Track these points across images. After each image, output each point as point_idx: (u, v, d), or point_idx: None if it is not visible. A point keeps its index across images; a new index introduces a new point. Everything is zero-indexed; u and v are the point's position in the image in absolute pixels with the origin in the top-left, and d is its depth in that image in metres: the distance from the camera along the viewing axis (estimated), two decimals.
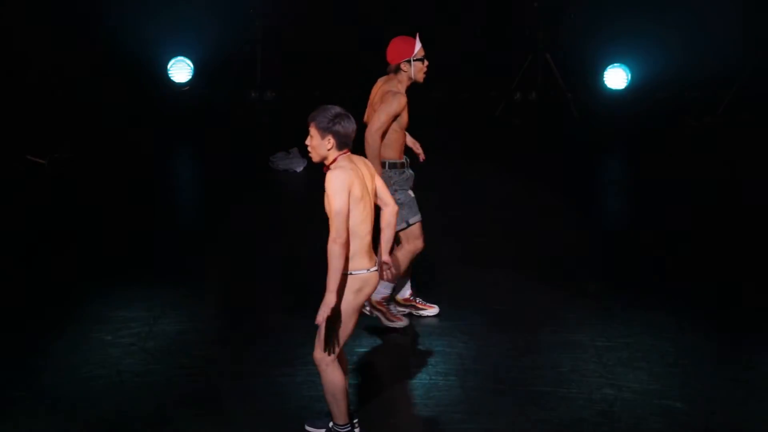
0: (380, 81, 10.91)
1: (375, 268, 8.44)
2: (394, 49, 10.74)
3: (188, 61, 16.90)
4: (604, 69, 16.56)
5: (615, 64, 16.54)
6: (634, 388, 9.73)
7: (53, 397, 9.69)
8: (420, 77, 10.73)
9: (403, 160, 10.74)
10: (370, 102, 10.79)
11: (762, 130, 15.95)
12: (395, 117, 10.55)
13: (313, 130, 8.41)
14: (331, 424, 8.65)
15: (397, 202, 8.99)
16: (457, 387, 9.84)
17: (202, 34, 16.84)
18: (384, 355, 10.41)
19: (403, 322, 10.77)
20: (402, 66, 10.65)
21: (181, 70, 16.92)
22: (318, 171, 14.67)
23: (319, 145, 8.43)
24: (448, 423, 9.29)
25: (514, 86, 16.66)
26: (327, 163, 8.46)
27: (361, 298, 8.45)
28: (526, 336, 10.63)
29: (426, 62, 10.81)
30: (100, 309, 10.68)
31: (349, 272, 8.33)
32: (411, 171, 10.84)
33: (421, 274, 11.81)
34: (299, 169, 15.00)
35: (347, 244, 8.25)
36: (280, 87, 17.07)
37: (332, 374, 8.49)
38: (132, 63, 16.76)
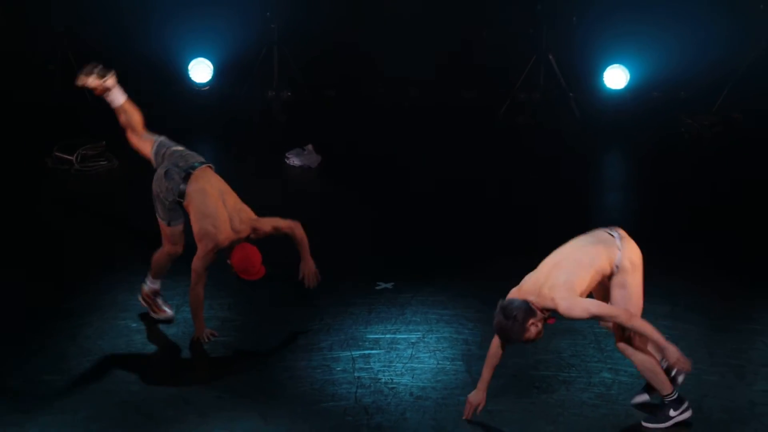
0: None
1: None
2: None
3: (208, 62, 16.95)
4: (603, 69, 16.59)
5: (614, 65, 16.57)
6: (631, 372, 9.79)
7: (83, 380, 9.82)
8: None
9: None
10: None
11: (754, 128, 16.00)
12: None
13: None
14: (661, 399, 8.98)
15: None
16: (463, 371, 9.93)
17: (222, 36, 16.85)
18: (394, 342, 10.48)
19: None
20: None
21: (201, 71, 16.97)
22: (331, 167, 14.78)
23: None
24: (454, 405, 9.37)
25: (519, 85, 16.68)
26: None
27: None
28: None
29: None
30: (126, 298, 10.78)
31: None
32: None
33: (430, 266, 11.94)
34: (314, 165, 15.03)
35: None
36: (295, 87, 17.09)
37: (639, 355, 8.79)
38: (153, 63, 16.79)
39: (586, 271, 8.62)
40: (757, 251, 12.38)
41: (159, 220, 10.39)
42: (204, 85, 17.01)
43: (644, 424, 8.95)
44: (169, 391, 9.63)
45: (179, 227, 10.44)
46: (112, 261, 10.81)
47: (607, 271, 8.70)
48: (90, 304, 10.94)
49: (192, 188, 10.13)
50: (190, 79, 16.91)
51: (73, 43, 17.03)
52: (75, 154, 14.65)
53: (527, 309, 8.46)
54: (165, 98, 16.61)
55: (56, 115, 16.31)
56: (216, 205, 10.18)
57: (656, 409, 8.95)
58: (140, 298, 10.75)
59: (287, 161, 15.10)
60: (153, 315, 10.73)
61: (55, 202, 13.40)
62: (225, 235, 10.12)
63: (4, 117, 16.46)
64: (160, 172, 10.29)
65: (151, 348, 10.29)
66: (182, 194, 10.08)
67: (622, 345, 8.81)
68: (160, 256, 10.55)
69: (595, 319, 8.72)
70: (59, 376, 9.84)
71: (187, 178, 10.13)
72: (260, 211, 13.62)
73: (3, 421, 9.09)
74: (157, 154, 10.41)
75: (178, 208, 10.25)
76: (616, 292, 8.72)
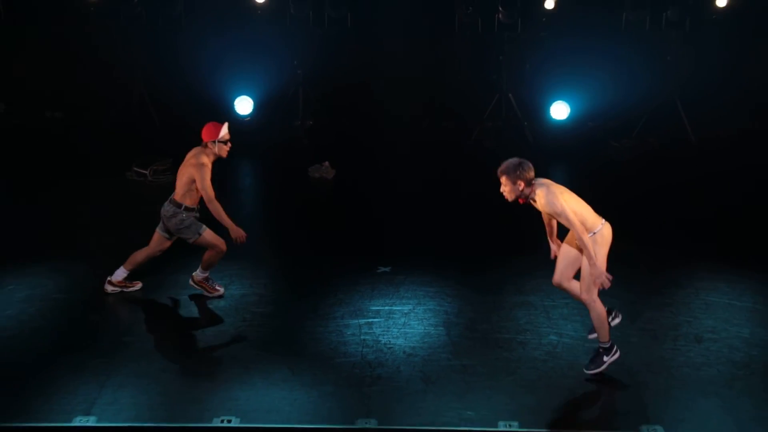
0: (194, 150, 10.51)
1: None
2: (207, 131, 10.43)
3: (249, 99, 16.91)
4: (550, 104, 16.56)
5: (558, 101, 16.53)
6: (572, 335, 9.82)
7: (153, 342, 9.83)
8: (224, 154, 10.53)
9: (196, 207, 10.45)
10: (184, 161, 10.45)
11: (663, 149, 15.99)
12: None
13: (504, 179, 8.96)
14: (598, 345, 9.01)
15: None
16: (444, 335, 9.91)
17: (260, 79, 16.82)
18: (391, 312, 10.43)
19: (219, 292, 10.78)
20: (209, 144, 10.40)
21: (244, 105, 16.93)
22: (343, 178, 14.71)
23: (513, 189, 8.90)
24: (437, 361, 9.38)
25: (486, 117, 16.65)
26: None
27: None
28: (494, 298, 10.69)
29: (230, 144, 10.53)
30: (186, 278, 10.75)
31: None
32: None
33: (419, 254, 11.91)
34: (329, 177, 14.99)
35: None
36: (316, 117, 17.07)
37: (599, 307, 8.85)
38: (207, 99, 16.77)
39: (577, 203, 8.93)
40: (667, 241, 12.36)
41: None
42: (246, 116, 16.97)
43: (585, 370, 8.93)
44: (219, 349, 9.65)
45: (209, 231, 10.42)
46: (174, 250, 10.74)
47: (587, 224, 8.82)
48: (158, 283, 10.90)
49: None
50: (235, 111, 16.85)
51: (146, 81, 16.98)
52: (149, 169, 14.63)
53: (528, 175, 8.87)
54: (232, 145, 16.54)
55: (134, 138, 16.27)
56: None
57: (593, 358, 8.92)
58: (193, 284, 10.69)
59: (309, 174, 15.05)
60: (207, 294, 10.65)
61: (135, 205, 13.36)
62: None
63: (96, 140, 16.43)
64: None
65: (206, 317, 10.28)
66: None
67: (585, 296, 8.85)
68: (211, 254, 10.50)
69: (557, 217, 8.81)
70: (135, 338, 9.85)
71: None
72: (286, 213, 13.63)
73: (95, 371, 9.10)
74: None
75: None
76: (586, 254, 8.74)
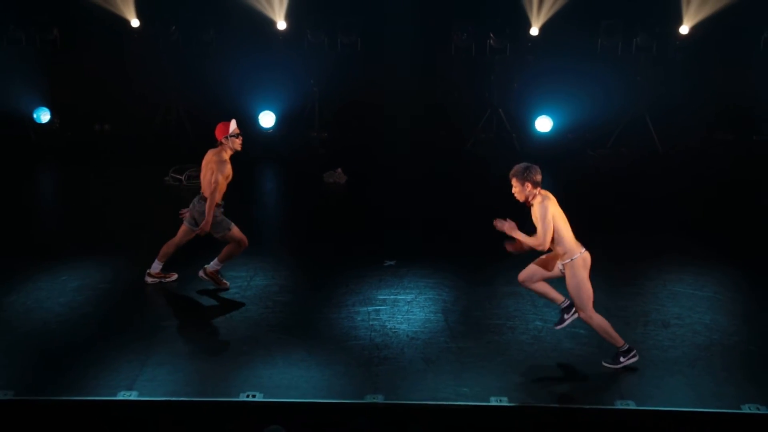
0: (211, 150, 10.43)
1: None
2: (219, 130, 10.39)
3: (272, 113, 16.88)
4: (535, 118, 16.53)
5: (542, 115, 16.51)
6: (554, 322, 9.75)
7: (187, 326, 9.79)
8: (238, 147, 10.39)
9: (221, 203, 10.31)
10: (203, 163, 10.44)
11: (634, 157, 15.96)
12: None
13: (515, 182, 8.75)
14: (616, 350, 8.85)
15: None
16: (442, 321, 9.87)
17: (281, 95, 16.80)
18: (396, 301, 10.38)
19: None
20: (224, 141, 10.33)
21: (267, 119, 16.90)
22: (354, 183, 14.69)
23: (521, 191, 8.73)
24: (436, 343, 9.35)
25: (479, 129, 16.62)
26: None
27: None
28: (487, 288, 10.65)
29: (240, 137, 10.40)
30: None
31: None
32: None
33: (421, 249, 11.86)
34: (342, 181, 14.96)
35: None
36: (330, 129, 17.05)
37: (597, 320, 8.74)
38: (233, 113, 16.74)
39: (564, 225, 8.74)
40: (639, 238, 12.30)
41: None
42: (269, 128, 16.93)
43: (604, 363, 8.86)
44: (244, 333, 9.60)
45: (236, 227, 10.31)
46: (203, 246, 10.70)
47: (566, 247, 8.68)
48: (191, 276, 10.84)
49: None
50: (259, 124, 16.82)
51: (181, 98, 16.95)
52: (184, 175, 14.59)
53: (536, 178, 8.78)
54: (244, 137, 16.43)
55: (171, 148, 16.23)
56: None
57: (613, 356, 8.82)
58: (203, 275, 10.50)
59: (324, 179, 15.01)
60: (216, 286, 10.52)
61: (172, 206, 13.33)
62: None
63: (138, 150, 16.42)
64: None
65: (233, 305, 10.23)
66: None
67: (583, 315, 8.75)
68: (232, 247, 10.38)
69: (537, 222, 8.70)
70: (171, 323, 9.88)
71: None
72: (304, 213, 13.59)
73: (136, 351, 9.10)
74: None
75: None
76: (570, 274, 8.70)
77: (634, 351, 8.85)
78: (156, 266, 10.64)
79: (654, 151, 16.15)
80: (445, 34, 16.57)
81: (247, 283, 10.77)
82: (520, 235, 8.65)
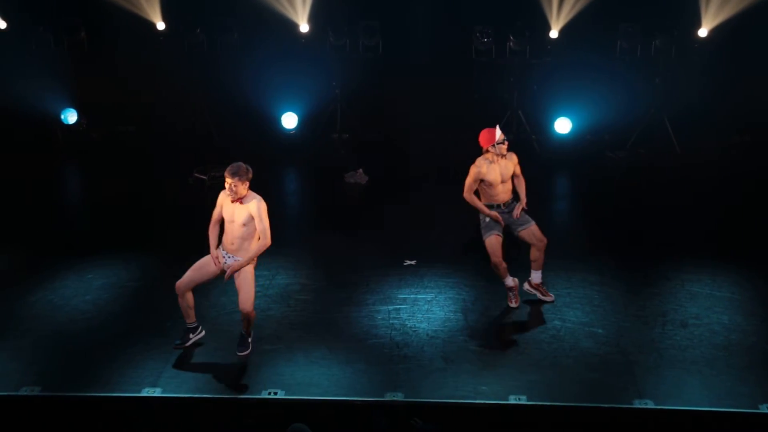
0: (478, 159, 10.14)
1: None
2: (484, 138, 10.17)
3: (294, 114, 16.86)
4: (554, 120, 16.46)
5: (562, 117, 16.43)
6: (573, 321, 9.76)
7: (211, 324, 9.79)
8: (504, 152, 10.07)
9: (491, 204, 10.08)
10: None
11: (652, 158, 15.88)
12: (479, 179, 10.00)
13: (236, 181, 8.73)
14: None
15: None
16: (462, 320, 9.87)
17: (303, 97, 16.78)
18: (416, 300, 10.38)
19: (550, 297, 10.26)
20: (490, 149, 10.05)
21: (289, 120, 16.87)
22: (375, 184, 14.68)
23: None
24: (456, 342, 9.36)
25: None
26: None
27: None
28: (506, 288, 10.63)
29: (506, 143, 10.09)
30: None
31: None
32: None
33: (441, 249, 11.84)
34: (363, 182, 14.94)
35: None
36: (352, 131, 17.02)
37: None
38: (259, 115, 16.77)
39: None
40: (657, 239, 12.23)
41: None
42: (292, 130, 16.92)
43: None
44: (266, 331, 9.63)
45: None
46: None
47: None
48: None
49: None
50: (282, 125, 16.82)
51: (206, 99, 16.98)
52: (207, 175, 14.59)
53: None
54: (266, 138, 16.60)
55: (195, 149, 16.24)
56: None
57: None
58: (528, 288, 10.24)
59: (345, 179, 15.00)
60: (541, 297, 10.21)
61: (196, 205, 13.34)
62: None
63: (163, 150, 16.45)
64: None
65: (257, 303, 10.15)
66: None
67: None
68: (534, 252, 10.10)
69: (262, 224, 8.92)
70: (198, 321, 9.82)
71: None
72: (325, 213, 13.59)
73: (160, 349, 9.21)
74: None
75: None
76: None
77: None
78: (536, 277, 10.27)
79: (672, 153, 16.06)
80: (466, 36, 16.52)
81: (269, 281, 10.78)
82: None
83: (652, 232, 12.57)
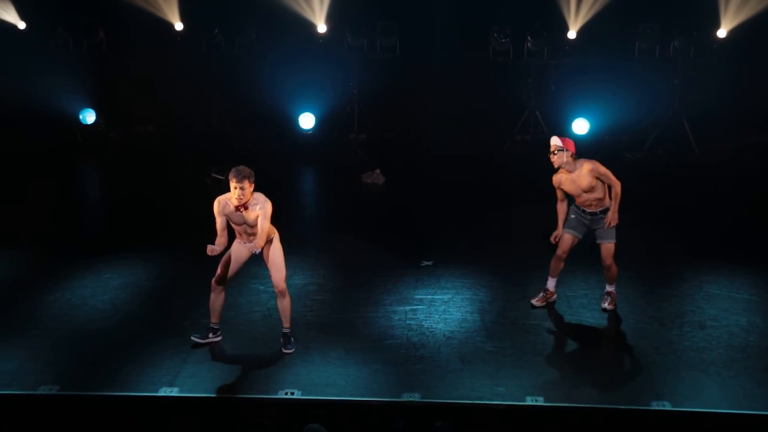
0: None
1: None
2: (571, 144, 9.92)
3: (312, 115, 16.87)
4: (572, 120, 16.42)
5: (579, 118, 16.40)
6: (590, 322, 9.73)
7: (228, 324, 9.79)
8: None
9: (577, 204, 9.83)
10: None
11: (670, 159, 15.84)
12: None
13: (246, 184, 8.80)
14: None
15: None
16: (479, 321, 9.85)
17: (321, 97, 16.79)
18: (433, 300, 10.36)
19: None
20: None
21: (307, 121, 16.88)
22: (392, 184, 14.67)
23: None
24: (472, 343, 9.34)
25: (516, 131, 16.54)
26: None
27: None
28: (522, 289, 10.57)
29: (552, 155, 9.85)
30: (256, 269, 10.64)
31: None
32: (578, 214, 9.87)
33: (458, 250, 11.82)
34: (380, 182, 14.95)
35: None
36: (369, 131, 17.03)
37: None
38: (276, 115, 16.78)
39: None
40: (674, 240, 12.18)
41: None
42: (309, 130, 16.94)
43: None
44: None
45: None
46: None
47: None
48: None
49: None
50: (299, 126, 16.84)
51: (223, 99, 17.00)
52: (225, 175, 14.57)
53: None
54: (283, 138, 16.63)
55: (213, 148, 16.28)
56: None
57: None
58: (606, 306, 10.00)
59: (362, 180, 15.01)
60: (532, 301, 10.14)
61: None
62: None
63: (180, 150, 16.50)
64: None
65: (272, 303, 10.21)
66: None
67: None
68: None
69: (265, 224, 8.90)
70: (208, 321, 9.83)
71: None
72: (342, 213, 13.59)
73: (178, 348, 9.19)
74: None
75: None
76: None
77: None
78: (551, 284, 10.16)
79: (690, 154, 16.01)
80: (483, 37, 16.50)
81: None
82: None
83: (669, 232, 12.52)
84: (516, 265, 11.27)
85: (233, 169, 8.88)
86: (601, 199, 9.79)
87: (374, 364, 8.92)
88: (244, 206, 8.85)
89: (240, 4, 16.66)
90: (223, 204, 9.02)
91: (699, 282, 10.78)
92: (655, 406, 8.21)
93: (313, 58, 16.77)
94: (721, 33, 15.92)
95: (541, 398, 8.32)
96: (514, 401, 8.31)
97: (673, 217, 13.18)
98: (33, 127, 16.50)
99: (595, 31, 16.15)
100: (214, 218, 9.04)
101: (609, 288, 10.02)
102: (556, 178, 9.84)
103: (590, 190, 9.72)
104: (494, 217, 13.27)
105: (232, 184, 8.83)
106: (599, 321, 9.73)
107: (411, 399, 8.32)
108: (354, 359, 9.01)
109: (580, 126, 16.39)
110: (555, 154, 9.79)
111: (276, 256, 9.09)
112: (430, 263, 11.36)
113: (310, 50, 16.82)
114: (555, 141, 9.84)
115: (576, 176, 9.74)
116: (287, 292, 9.14)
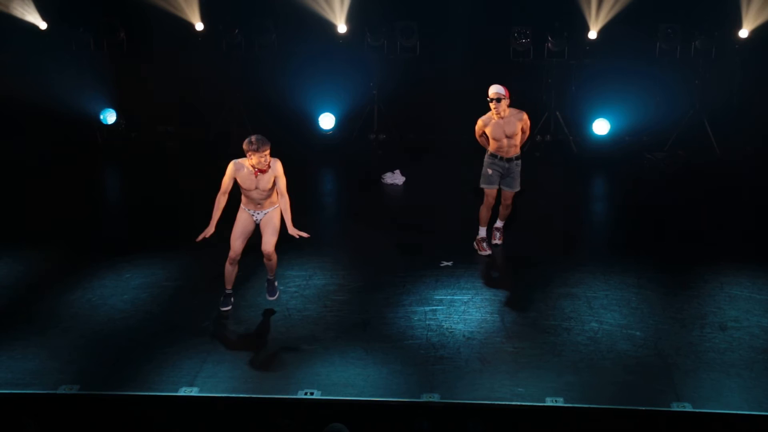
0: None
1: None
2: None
3: (332, 115, 16.89)
4: (592, 121, 16.38)
5: (600, 118, 16.35)
6: (611, 323, 9.69)
7: (248, 324, 9.83)
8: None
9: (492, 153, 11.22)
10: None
11: (691, 160, 15.79)
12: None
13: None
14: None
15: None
16: (498, 321, 9.83)
17: (341, 98, 16.81)
18: (452, 301, 10.34)
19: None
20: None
21: (327, 121, 16.90)
22: (412, 184, 14.66)
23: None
24: (492, 344, 9.32)
25: (536, 132, 16.51)
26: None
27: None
28: (543, 289, 10.56)
29: (494, 102, 11.02)
30: (278, 270, 10.68)
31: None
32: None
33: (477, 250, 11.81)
34: (400, 183, 14.95)
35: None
36: (389, 131, 17.03)
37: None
38: (297, 116, 16.81)
39: None
40: (695, 241, 12.13)
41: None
42: (329, 130, 16.95)
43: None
44: (302, 331, 9.64)
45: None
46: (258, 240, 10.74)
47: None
48: (249, 275, 10.88)
49: None
50: (319, 126, 16.85)
51: (244, 99, 17.04)
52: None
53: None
54: (304, 138, 16.64)
55: (233, 148, 16.28)
56: None
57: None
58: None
59: (382, 180, 15.01)
60: (481, 253, 11.45)
61: (231, 203, 13.43)
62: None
63: (201, 150, 16.55)
64: None
65: (292, 303, 10.25)
66: None
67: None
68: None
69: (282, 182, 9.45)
70: (231, 321, 9.93)
71: None
72: (362, 214, 13.58)
73: (197, 349, 9.21)
74: None
75: None
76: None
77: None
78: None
79: (711, 155, 15.95)
80: (504, 37, 16.47)
81: (305, 282, 10.79)
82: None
83: (690, 233, 12.47)
84: (536, 267, 11.25)
85: (253, 140, 9.30)
86: (516, 146, 11.14)
87: (394, 364, 8.92)
88: (262, 170, 9.26)
89: (260, 4, 16.70)
90: (238, 166, 9.34)
91: (720, 283, 10.73)
92: (676, 407, 8.17)
93: (333, 59, 16.79)
94: (743, 33, 15.85)
95: (561, 399, 8.30)
96: (533, 402, 8.29)
97: (694, 218, 13.13)
98: (54, 127, 16.59)
99: (615, 32, 16.11)
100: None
101: (499, 224, 11.72)
102: (483, 120, 11.11)
103: (512, 136, 11.01)
104: (513, 218, 13.25)
105: (257, 155, 9.20)
106: (620, 321, 9.70)
107: (431, 399, 8.31)
108: (373, 359, 9.01)
109: (601, 126, 16.35)
110: (499, 102, 10.88)
111: (271, 222, 9.56)
112: (449, 264, 11.35)
113: (330, 51, 16.84)
114: (497, 89, 10.97)
115: (506, 122, 11.03)
116: (275, 255, 9.62)
